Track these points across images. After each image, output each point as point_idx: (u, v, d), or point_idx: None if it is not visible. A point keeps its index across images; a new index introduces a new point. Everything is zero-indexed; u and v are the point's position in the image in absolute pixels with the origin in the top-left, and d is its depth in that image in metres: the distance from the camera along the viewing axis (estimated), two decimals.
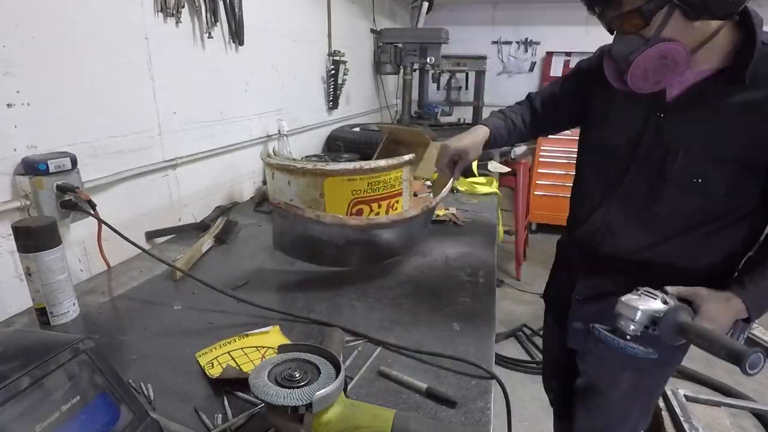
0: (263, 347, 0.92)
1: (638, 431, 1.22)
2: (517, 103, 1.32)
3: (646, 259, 1.00)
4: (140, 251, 1.19)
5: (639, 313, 0.80)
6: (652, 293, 0.83)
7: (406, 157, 1.67)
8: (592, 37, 4.40)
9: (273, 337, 0.96)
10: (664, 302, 0.82)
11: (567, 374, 1.28)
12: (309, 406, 0.58)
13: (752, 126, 0.84)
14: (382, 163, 1.63)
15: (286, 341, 0.94)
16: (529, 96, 1.31)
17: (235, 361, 0.87)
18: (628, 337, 0.81)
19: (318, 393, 0.58)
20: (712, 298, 0.85)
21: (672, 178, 0.92)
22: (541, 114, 1.25)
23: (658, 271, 0.98)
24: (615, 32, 0.91)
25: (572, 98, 1.17)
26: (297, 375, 0.62)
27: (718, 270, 0.97)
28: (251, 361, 0.87)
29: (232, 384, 0.80)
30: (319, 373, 0.63)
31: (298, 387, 0.60)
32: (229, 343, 0.93)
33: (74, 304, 1.02)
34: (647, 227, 0.99)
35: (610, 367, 1.12)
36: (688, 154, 0.90)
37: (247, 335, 0.96)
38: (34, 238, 0.92)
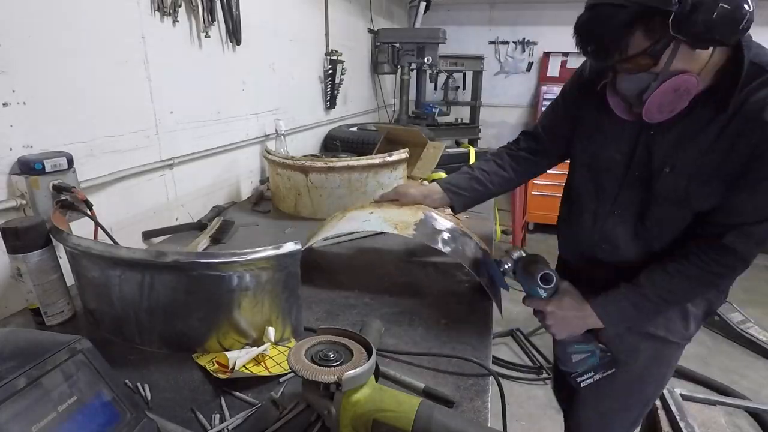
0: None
1: (637, 425, 1.27)
2: (504, 147, 1.31)
3: (639, 266, 1.00)
4: None
5: (516, 253, 1.06)
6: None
7: (403, 154, 1.67)
8: None
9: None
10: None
11: None
12: (339, 385, 0.62)
13: (726, 150, 0.85)
14: (376, 160, 1.63)
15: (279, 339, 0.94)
16: (524, 133, 1.28)
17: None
18: (503, 269, 1.06)
19: (348, 373, 0.61)
20: (571, 289, 1.02)
21: (659, 194, 0.95)
22: (547, 141, 1.21)
23: None
24: (622, 74, 0.89)
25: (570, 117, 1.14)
26: (331, 356, 0.67)
27: None
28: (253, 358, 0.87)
29: (230, 384, 0.80)
30: (352, 356, 0.67)
31: (330, 366, 0.65)
32: None
33: (68, 304, 1.02)
34: (639, 239, 1.02)
35: (629, 339, 1.11)
36: (672, 172, 0.92)
37: None
38: (21, 239, 0.92)
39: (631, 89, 0.87)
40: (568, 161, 1.18)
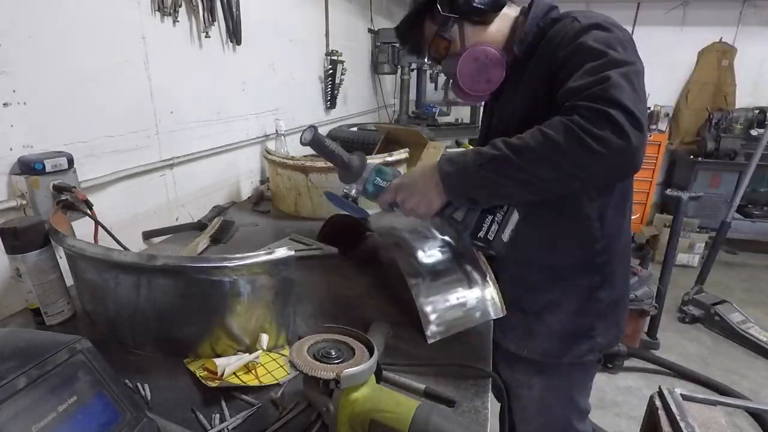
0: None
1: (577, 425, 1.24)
2: None
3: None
4: None
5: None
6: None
7: (404, 154, 1.67)
8: None
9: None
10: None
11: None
12: (337, 382, 0.62)
13: (527, 81, 0.96)
14: (376, 160, 1.63)
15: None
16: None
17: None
18: (350, 198, 0.98)
19: (346, 371, 0.61)
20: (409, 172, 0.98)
21: None
22: None
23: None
24: (441, 62, 1.06)
25: None
26: (333, 353, 0.67)
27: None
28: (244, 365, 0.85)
29: (220, 391, 0.80)
30: (354, 355, 0.67)
31: (331, 363, 0.65)
32: None
33: (68, 304, 1.02)
34: None
35: (521, 373, 1.18)
36: (500, 122, 1.05)
37: None
38: (20, 239, 0.91)
39: (449, 71, 1.04)
40: None
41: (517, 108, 0.98)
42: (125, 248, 1.16)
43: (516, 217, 0.88)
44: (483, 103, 1.21)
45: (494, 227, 0.86)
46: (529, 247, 1.03)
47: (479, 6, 0.94)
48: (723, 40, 4.61)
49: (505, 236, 0.87)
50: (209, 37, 1.66)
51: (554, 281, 1.06)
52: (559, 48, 0.87)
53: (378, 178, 0.92)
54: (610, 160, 0.73)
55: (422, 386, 0.80)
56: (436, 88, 4.41)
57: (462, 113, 4.69)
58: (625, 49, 0.82)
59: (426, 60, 1.09)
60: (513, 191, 0.81)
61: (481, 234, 0.85)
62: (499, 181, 0.80)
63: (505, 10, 1.00)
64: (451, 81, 1.09)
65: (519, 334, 1.13)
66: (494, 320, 1.09)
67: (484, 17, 0.97)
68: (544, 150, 0.75)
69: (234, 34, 1.79)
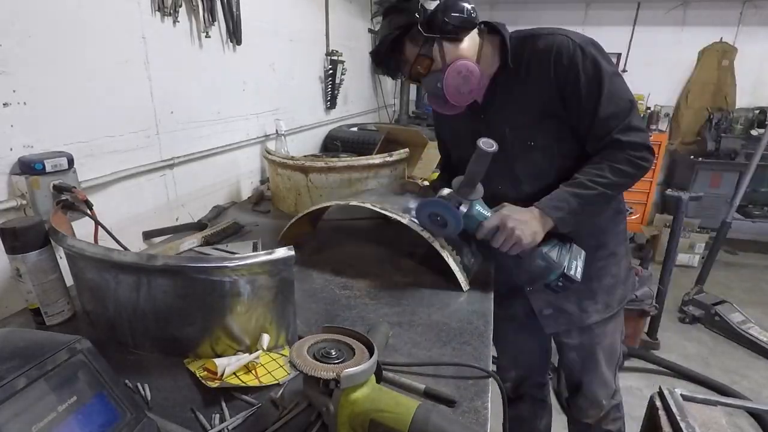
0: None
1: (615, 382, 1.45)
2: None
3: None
4: None
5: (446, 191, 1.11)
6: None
7: (404, 154, 1.67)
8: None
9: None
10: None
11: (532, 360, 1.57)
12: (337, 382, 0.62)
13: (533, 93, 1.11)
14: (377, 160, 1.63)
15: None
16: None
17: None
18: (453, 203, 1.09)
19: (346, 371, 0.61)
20: (509, 203, 1.12)
21: (512, 151, 1.16)
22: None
23: None
24: (421, 80, 1.13)
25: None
26: (333, 353, 0.67)
27: None
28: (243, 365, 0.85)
29: (220, 391, 0.79)
30: (354, 355, 0.67)
31: (331, 363, 0.65)
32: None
33: (68, 304, 1.02)
34: (522, 190, 1.20)
35: (598, 330, 1.35)
36: (513, 129, 1.15)
37: None
38: (20, 239, 0.91)
39: (431, 86, 1.11)
40: None
41: (533, 111, 1.12)
42: (125, 248, 1.16)
43: (584, 254, 1.12)
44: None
45: (576, 265, 1.07)
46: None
47: (456, 25, 1.04)
48: (723, 40, 4.60)
49: (579, 274, 1.07)
50: (209, 37, 1.66)
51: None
52: (568, 64, 1.05)
53: (481, 208, 1.08)
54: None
55: (422, 386, 0.80)
56: None
57: None
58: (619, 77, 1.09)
59: (403, 79, 1.22)
60: (599, 213, 1.16)
61: (571, 273, 1.05)
62: (595, 210, 1.12)
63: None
64: (426, 95, 1.19)
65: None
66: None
67: (460, 35, 1.07)
68: (623, 181, 1.07)
69: (234, 34, 1.79)
